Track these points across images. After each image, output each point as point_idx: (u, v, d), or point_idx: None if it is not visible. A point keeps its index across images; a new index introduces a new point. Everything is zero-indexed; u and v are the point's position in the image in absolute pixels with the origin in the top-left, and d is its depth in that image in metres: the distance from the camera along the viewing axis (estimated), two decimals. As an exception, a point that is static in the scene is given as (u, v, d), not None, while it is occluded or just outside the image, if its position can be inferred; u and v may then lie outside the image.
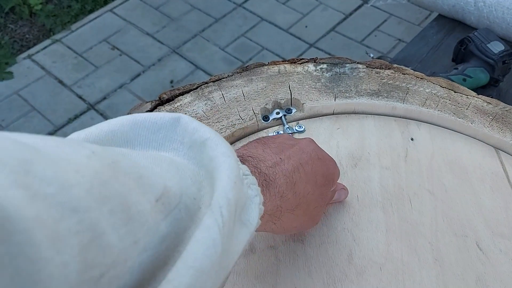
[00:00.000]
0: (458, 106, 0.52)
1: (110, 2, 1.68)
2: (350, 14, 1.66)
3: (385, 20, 1.62)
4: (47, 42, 1.54)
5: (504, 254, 0.42)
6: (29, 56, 1.51)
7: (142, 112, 0.50)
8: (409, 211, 0.44)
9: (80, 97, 1.39)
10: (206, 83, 0.54)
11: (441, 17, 1.09)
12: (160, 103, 0.52)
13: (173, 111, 0.50)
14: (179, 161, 0.25)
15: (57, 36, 1.56)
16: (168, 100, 0.52)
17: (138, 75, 1.44)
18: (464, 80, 0.89)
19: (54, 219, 0.15)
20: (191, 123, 0.26)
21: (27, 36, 1.57)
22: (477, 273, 0.40)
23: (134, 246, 0.19)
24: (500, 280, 0.40)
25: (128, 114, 0.50)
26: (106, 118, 1.34)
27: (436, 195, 0.45)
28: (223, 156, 0.24)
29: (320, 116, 0.52)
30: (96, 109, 1.36)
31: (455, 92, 0.54)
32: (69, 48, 1.52)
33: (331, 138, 0.49)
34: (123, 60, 1.49)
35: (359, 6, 1.69)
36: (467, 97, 0.53)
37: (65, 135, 1.32)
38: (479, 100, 0.53)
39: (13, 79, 1.43)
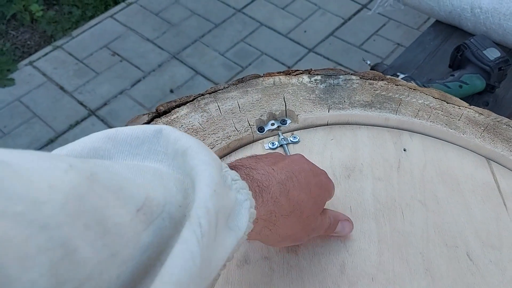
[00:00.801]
0: (450, 117, 0.53)
1: (111, 8, 1.69)
2: (349, 18, 1.67)
3: (384, 25, 1.63)
4: (48, 48, 1.56)
5: (494, 264, 0.42)
6: (31, 63, 1.52)
7: (139, 124, 0.51)
8: (401, 222, 0.45)
9: (81, 103, 1.40)
10: (202, 95, 0.55)
11: (438, 23, 1.10)
12: (157, 115, 0.52)
13: (169, 123, 0.51)
14: (165, 170, 0.25)
15: (58, 43, 1.57)
16: (165, 112, 0.53)
17: (139, 81, 1.45)
18: (460, 86, 0.89)
19: (22, 237, 0.15)
20: (173, 133, 0.26)
21: (28, 42, 1.59)
22: (467, 284, 0.41)
23: (112, 259, 0.19)
24: None
25: (125, 125, 0.51)
26: (107, 124, 1.35)
27: (428, 206, 0.46)
28: (203, 165, 0.25)
29: (314, 127, 0.53)
30: (97, 115, 1.37)
31: (447, 103, 0.54)
32: (70, 54, 1.53)
33: (325, 148, 0.50)
34: (123, 66, 1.50)
35: (358, 11, 1.70)
36: (459, 108, 0.54)
37: (66, 141, 1.33)
38: (471, 111, 0.54)
39: (14, 86, 1.45)
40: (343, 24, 1.65)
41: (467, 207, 0.46)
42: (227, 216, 0.26)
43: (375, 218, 0.45)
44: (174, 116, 0.52)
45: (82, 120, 1.36)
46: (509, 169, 0.50)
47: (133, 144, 0.25)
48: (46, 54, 1.54)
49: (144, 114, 0.53)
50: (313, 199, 0.35)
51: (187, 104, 0.54)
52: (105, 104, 1.40)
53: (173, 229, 0.22)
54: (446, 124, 0.52)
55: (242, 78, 0.56)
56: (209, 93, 0.55)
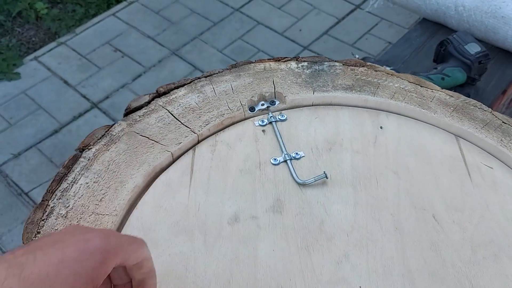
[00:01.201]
0: (423, 99, 0.58)
1: (113, 6, 1.75)
2: (343, 18, 1.73)
3: (376, 24, 1.69)
4: (52, 44, 1.62)
5: (457, 224, 0.48)
6: (36, 58, 1.58)
7: (140, 103, 0.57)
8: (375, 189, 0.50)
9: (84, 96, 1.46)
10: (199, 78, 0.60)
11: (425, 20, 1.16)
12: (157, 95, 0.58)
13: (168, 103, 0.57)
14: None
15: (62, 39, 1.63)
16: (165, 93, 0.58)
17: (139, 75, 1.51)
18: (443, 79, 0.95)
19: None
20: None
21: (33, 39, 1.65)
22: (432, 240, 0.46)
23: None
24: (452, 246, 0.46)
25: (126, 108, 0.56)
26: (109, 116, 1.41)
27: (400, 175, 0.51)
28: None
29: (301, 107, 0.58)
30: (99, 107, 1.43)
31: (421, 86, 0.60)
32: (73, 50, 1.59)
33: (309, 126, 0.56)
34: (125, 61, 1.56)
35: (352, 11, 1.76)
36: (432, 91, 0.60)
37: (70, 132, 1.39)
38: (443, 94, 0.60)
39: (20, 80, 1.50)
40: (337, 23, 1.71)
41: (435, 176, 0.52)
42: None
43: (352, 185, 0.50)
44: (173, 96, 0.58)
45: (85, 112, 1.42)
46: (475, 144, 0.55)
47: None
48: (51, 50, 1.60)
49: (145, 95, 0.58)
50: (71, 269, 0.30)
51: (185, 86, 0.59)
52: (107, 97, 1.46)
53: None
54: (419, 105, 0.58)
55: (235, 64, 0.62)
56: (205, 77, 0.60)
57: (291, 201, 0.48)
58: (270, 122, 0.55)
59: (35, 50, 1.60)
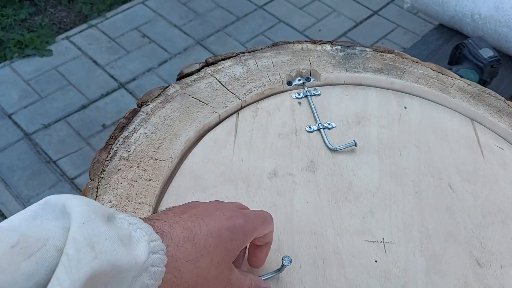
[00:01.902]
0: (444, 85, 0.65)
1: (142, -5, 1.82)
2: (361, 22, 1.80)
3: (392, 30, 1.76)
4: (83, 26, 1.69)
5: (470, 193, 0.53)
6: (67, 38, 1.65)
7: (191, 70, 0.63)
8: (398, 158, 0.56)
9: (112, 77, 1.52)
10: (243, 52, 0.67)
11: (442, 26, 1.22)
12: (206, 65, 0.64)
13: (216, 72, 0.63)
14: (49, 223, 0.28)
15: (93, 22, 1.70)
16: (212, 63, 0.64)
17: (165, 61, 1.58)
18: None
19: None
20: (54, 198, 0.29)
21: (64, 20, 1.72)
22: (447, 205, 0.52)
23: None
24: (464, 211, 0.51)
25: (179, 73, 0.63)
26: (134, 96, 1.47)
27: (420, 149, 0.57)
28: (74, 207, 0.28)
29: (333, 85, 0.64)
30: (126, 88, 1.49)
31: (443, 74, 0.66)
32: (103, 33, 1.66)
33: (340, 101, 0.62)
34: (152, 47, 1.63)
35: (369, 16, 1.83)
36: (452, 79, 0.66)
37: (97, 108, 1.46)
38: (462, 82, 0.66)
39: (52, 56, 1.57)
40: (355, 26, 1.78)
41: (452, 152, 0.57)
42: (119, 244, 0.28)
43: (377, 154, 0.56)
44: (220, 66, 0.64)
45: (112, 92, 1.49)
46: (488, 128, 0.61)
47: (28, 223, 0.28)
48: (82, 31, 1.67)
49: (196, 63, 0.65)
50: (224, 244, 0.35)
51: (231, 59, 0.65)
52: (133, 79, 1.52)
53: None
54: (440, 90, 0.64)
55: (276, 43, 0.69)
56: (249, 52, 0.67)
57: (323, 164, 0.54)
58: (306, 96, 0.61)
59: (66, 30, 1.67)
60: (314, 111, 0.59)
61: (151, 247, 0.30)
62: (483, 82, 1.03)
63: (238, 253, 0.37)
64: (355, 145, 0.55)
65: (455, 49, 1.06)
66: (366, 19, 1.82)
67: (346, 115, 0.60)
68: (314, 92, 0.62)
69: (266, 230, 0.40)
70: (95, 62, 1.57)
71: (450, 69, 1.03)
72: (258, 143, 0.56)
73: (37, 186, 1.24)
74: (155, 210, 0.48)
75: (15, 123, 1.41)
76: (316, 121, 0.58)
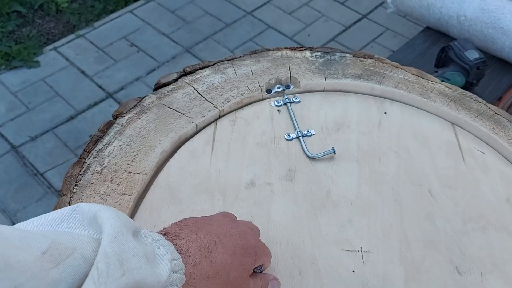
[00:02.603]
0: (424, 89, 0.64)
1: (130, 4, 1.82)
2: (350, 26, 1.80)
3: (381, 34, 1.76)
4: (71, 36, 1.68)
5: (450, 199, 0.52)
6: (55, 48, 1.64)
7: (169, 80, 0.62)
8: (378, 165, 0.55)
9: (100, 87, 1.52)
10: (222, 61, 0.66)
11: (428, 29, 1.22)
12: (184, 74, 0.64)
13: (194, 81, 0.62)
14: (77, 231, 0.29)
15: (81, 32, 1.70)
16: (191, 72, 0.64)
17: (153, 70, 1.57)
18: (443, 81, 1.01)
19: None
20: (85, 206, 0.30)
21: (53, 30, 1.71)
22: (427, 212, 0.51)
23: None
24: (444, 217, 0.50)
25: (156, 83, 0.62)
26: (122, 106, 1.46)
27: (400, 155, 0.57)
28: (107, 219, 0.28)
29: (313, 92, 0.64)
30: (114, 97, 1.49)
31: (423, 78, 0.66)
32: (91, 43, 1.66)
33: (320, 108, 0.61)
34: (140, 56, 1.62)
35: (358, 20, 1.83)
36: (433, 83, 0.65)
37: (85, 119, 1.45)
38: (442, 86, 0.65)
39: (39, 68, 1.57)
40: (344, 31, 1.78)
41: (433, 157, 0.57)
42: (146, 262, 0.29)
43: (357, 161, 0.55)
44: (198, 75, 0.63)
45: (100, 101, 1.48)
46: (469, 132, 0.61)
47: (53, 225, 0.29)
48: (69, 41, 1.66)
49: (173, 73, 0.64)
50: (238, 260, 0.36)
51: (209, 67, 0.65)
52: (122, 88, 1.52)
53: (89, 268, 0.26)
54: (420, 95, 0.63)
55: (255, 50, 0.68)
56: (228, 60, 0.66)
57: (302, 172, 0.53)
58: (285, 103, 0.61)
59: (54, 41, 1.67)
60: (293, 118, 0.59)
61: (172, 266, 0.31)
62: (469, 84, 1.02)
63: (252, 271, 0.39)
64: (334, 152, 0.55)
65: (441, 52, 1.06)
66: (355, 23, 1.82)
67: (326, 122, 0.59)
68: (293, 99, 0.62)
69: (267, 263, 0.42)
70: (83, 72, 1.57)
71: (436, 71, 1.03)
72: (236, 153, 0.55)
73: (24, 199, 1.23)
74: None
75: (2, 135, 1.40)
76: (295, 128, 0.58)
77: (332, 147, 0.55)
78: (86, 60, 1.61)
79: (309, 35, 1.75)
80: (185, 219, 0.39)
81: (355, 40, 1.74)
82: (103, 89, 1.52)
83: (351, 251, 0.47)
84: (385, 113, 0.62)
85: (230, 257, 0.36)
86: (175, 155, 0.54)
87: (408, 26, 1.79)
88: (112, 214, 0.29)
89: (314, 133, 0.58)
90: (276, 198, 0.51)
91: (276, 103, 0.61)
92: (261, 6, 1.85)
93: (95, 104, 1.48)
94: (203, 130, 0.57)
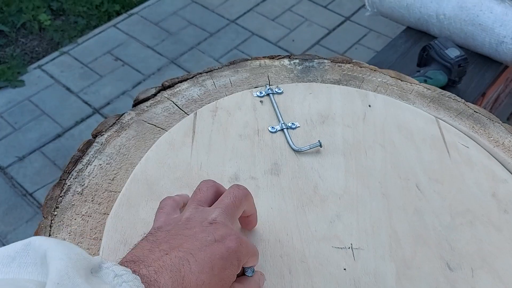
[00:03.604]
0: (403, 91, 0.64)
1: (113, 18, 1.82)
2: (334, 29, 1.82)
3: (365, 35, 1.78)
4: (55, 54, 1.68)
5: (437, 193, 0.52)
6: (39, 67, 1.64)
7: (147, 95, 0.62)
8: (364, 159, 0.55)
9: (86, 103, 1.51)
10: (200, 73, 0.66)
11: (409, 29, 1.24)
12: (162, 88, 0.63)
13: (173, 95, 0.62)
14: (29, 270, 0.27)
15: (65, 49, 1.70)
16: (169, 86, 0.63)
17: (139, 83, 1.57)
18: (425, 81, 1.02)
19: None
20: (38, 241, 0.27)
21: (36, 49, 1.71)
22: (416, 206, 0.50)
23: None
24: (433, 212, 0.50)
25: (135, 99, 0.61)
26: (110, 120, 1.46)
27: (386, 148, 0.56)
28: (54, 260, 0.26)
29: (296, 83, 0.62)
30: (100, 113, 1.48)
31: (401, 81, 0.66)
32: (75, 59, 1.65)
33: (304, 100, 0.60)
34: (125, 70, 1.62)
35: (342, 22, 1.85)
36: (411, 85, 0.66)
37: (72, 136, 1.44)
38: (421, 87, 0.65)
39: (24, 87, 1.56)
40: (328, 34, 1.80)
41: (418, 151, 0.57)
42: None
43: (343, 155, 0.54)
44: (177, 89, 0.62)
45: (87, 118, 1.47)
46: (454, 127, 0.61)
47: (4, 262, 0.27)
48: (54, 59, 1.66)
49: (152, 88, 0.63)
50: (217, 276, 0.33)
51: (188, 80, 0.64)
52: (108, 103, 1.51)
53: None
54: (400, 97, 0.63)
55: (233, 61, 0.68)
56: (206, 72, 0.66)
57: (288, 166, 0.52)
58: (268, 94, 0.59)
59: (38, 59, 1.66)
60: (277, 110, 0.58)
61: None
62: (452, 82, 1.04)
63: (235, 277, 0.36)
64: (320, 145, 0.54)
65: (422, 51, 1.08)
66: (338, 25, 1.84)
67: (310, 114, 0.58)
68: (276, 90, 0.61)
69: (255, 262, 0.39)
70: (68, 89, 1.56)
71: (418, 71, 1.04)
72: (218, 145, 0.54)
73: (13, 220, 1.21)
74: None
75: (-11, 157, 1.38)
76: (279, 120, 0.57)
77: (318, 140, 0.54)
78: (71, 76, 1.60)
79: (293, 40, 1.77)
80: (157, 230, 0.35)
81: (339, 42, 1.76)
82: (90, 105, 1.51)
83: (341, 248, 0.47)
84: (369, 105, 0.61)
85: (207, 276, 0.32)
86: (153, 147, 0.53)
87: (391, 26, 1.81)
88: (62, 254, 0.26)
89: (299, 125, 0.57)
90: (262, 193, 0.49)
91: (258, 93, 0.59)
92: (245, 13, 1.87)
93: (82, 120, 1.47)
94: (182, 121, 0.56)
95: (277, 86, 0.62)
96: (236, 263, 0.35)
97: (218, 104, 0.59)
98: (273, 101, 0.59)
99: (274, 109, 0.58)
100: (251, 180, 0.51)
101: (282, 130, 0.56)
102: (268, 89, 0.61)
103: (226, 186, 0.50)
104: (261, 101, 0.60)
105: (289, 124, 0.57)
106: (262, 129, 0.56)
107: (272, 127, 0.56)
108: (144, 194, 0.49)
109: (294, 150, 0.54)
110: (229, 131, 0.56)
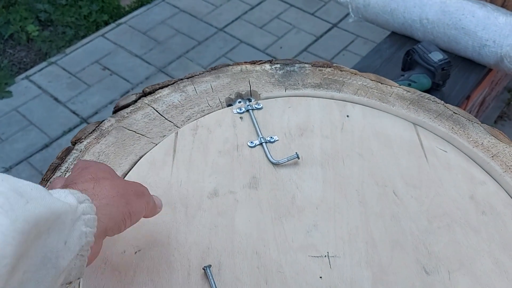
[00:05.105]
0: (383, 94, 0.65)
1: (101, 28, 1.82)
2: (321, 36, 1.83)
3: (352, 41, 1.80)
4: (43, 64, 1.68)
5: (415, 199, 0.52)
6: (27, 77, 1.63)
7: (128, 102, 0.62)
8: (342, 168, 0.55)
9: (74, 112, 1.50)
10: (181, 79, 0.66)
11: (394, 34, 1.25)
12: (143, 95, 0.63)
13: (153, 101, 0.62)
14: None
15: (53, 59, 1.69)
16: (150, 93, 0.63)
17: (127, 92, 1.57)
18: (409, 85, 1.03)
19: None
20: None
21: (24, 59, 1.70)
22: (393, 212, 0.51)
23: None
24: (410, 217, 0.51)
25: (115, 106, 0.61)
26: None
27: (364, 157, 0.57)
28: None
29: (275, 98, 0.63)
30: (88, 122, 1.47)
31: (381, 83, 0.67)
32: (63, 69, 1.65)
33: (283, 113, 0.61)
34: (113, 79, 1.62)
35: (329, 29, 1.86)
36: (391, 87, 0.66)
37: (60, 146, 1.43)
38: (401, 90, 0.66)
39: (12, 97, 1.55)
40: (315, 41, 1.81)
41: (396, 157, 0.57)
42: (47, 193, 0.29)
43: (321, 165, 0.55)
44: (158, 95, 0.63)
45: (75, 127, 1.47)
46: (431, 132, 0.62)
47: None
48: (41, 69, 1.65)
49: (132, 94, 0.64)
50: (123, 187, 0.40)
51: (169, 86, 0.64)
52: (96, 112, 1.51)
53: None
54: (380, 99, 0.64)
55: (215, 66, 0.68)
56: (187, 78, 0.66)
57: (266, 179, 0.53)
58: (247, 110, 0.60)
59: (26, 70, 1.66)
60: (256, 125, 0.59)
61: (76, 198, 0.31)
62: (436, 85, 1.04)
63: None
64: (298, 157, 0.55)
65: (406, 55, 1.08)
66: (326, 32, 1.85)
67: (289, 127, 0.59)
68: (256, 106, 0.61)
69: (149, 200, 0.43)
70: (56, 99, 1.56)
71: (402, 75, 1.05)
72: (198, 162, 0.54)
73: None
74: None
75: (-24, 168, 1.37)
76: (258, 135, 0.58)
77: (296, 152, 0.55)
78: (59, 86, 1.60)
79: (281, 47, 1.78)
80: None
81: (327, 49, 1.77)
82: (77, 115, 1.51)
83: (317, 256, 0.47)
84: (347, 116, 0.62)
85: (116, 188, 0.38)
86: (134, 168, 0.53)
87: (377, 32, 1.82)
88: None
89: (278, 139, 0.58)
90: (240, 207, 0.50)
91: (238, 110, 0.61)
92: (233, 21, 1.88)
93: (70, 130, 1.46)
94: (163, 141, 0.56)
95: (257, 102, 0.62)
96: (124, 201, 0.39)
97: (199, 122, 0.59)
98: (253, 116, 0.60)
99: (254, 125, 0.59)
100: (230, 195, 0.52)
101: (261, 144, 0.57)
102: (248, 105, 0.61)
103: (206, 201, 0.51)
104: (241, 117, 0.60)
105: (268, 138, 0.58)
106: (241, 144, 0.57)
107: (251, 142, 0.57)
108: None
109: (272, 163, 0.55)
110: (209, 148, 0.56)
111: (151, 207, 0.43)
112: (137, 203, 0.40)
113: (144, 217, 0.45)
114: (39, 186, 0.29)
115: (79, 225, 0.31)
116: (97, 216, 0.33)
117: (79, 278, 0.33)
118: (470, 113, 1.18)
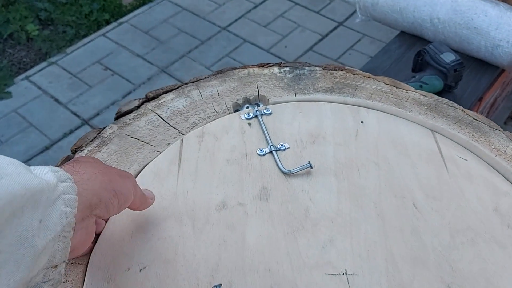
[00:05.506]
0: (399, 98, 0.62)
1: (103, 27, 1.79)
2: (327, 35, 1.79)
3: (359, 40, 1.76)
4: (43, 64, 1.65)
5: (435, 211, 0.50)
6: (27, 78, 1.60)
7: (130, 107, 0.59)
8: (357, 178, 0.52)
9: (75, 114, 1.48)
10: (186, 83, 0.63)
11: (403, 33, 1.21)
12: (146, 100, 0.60)
13: (157, 107, 0.59)
14: None
15: (53, 59, 1.66)
16: (153, 98, 0.60)
17: (129, 92, 1.54)
18: (421, 86, 1.00)
19: None
20: None
21: (24, 59, 1.67)
22: (412, 226, 0.48)
23: None
24: (431, 231, 0.48)
25: (117, 111, 0.58)
26: (99, 132, 1.42)
27: (380, 166, 0.54)
28: None
29: (285, 102, 0.60)
30: (89, 124, 1.44)
31: (396, 88, 0.64)
32: (64, 69, 1.62)
33: (294, 120, 0.58)
34: (115, 79, 1.59)
35: (335, 28, 1.83)
36: (407, 92, 0.63)
37: (61, 148, 1.40)
38: (417, 94, 0.63)
39: (11, 99, 1.52)
40: (321, 40, 1.77)
41: (414, 167, 0.54)
42: (25, 169, 0.29)
43: (335, 175, 0.52)
44: (162, 100, 0.60)
45: (76, 129, 1.44)
46: (450, 139, 0.59)
47: None
48: (42, 69, 1.63)
49: (135, 99, 0.61)
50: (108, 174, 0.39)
51: (173, 91, 0.62)
52: (97, 114, 1.48)
53: None
54: (395, 104, 0.61)
55: (221, 70, 0.65)
56: (192, 82, 0.63)
57: (277, 190, 0.50)
58: (256, 116, 0.58)
59: (26, 70, 1.63)
60: (266, 132, 0.56)
61: (57, 176, 0.31)
62: (448, 87, 1.01)
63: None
64: (310, 166, 0.52)
65: (417, 56, 1.05)
66: (331, 31, 1.82)
67: (300, 134, 0.56)
68: (264, 111, 0.59)
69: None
70: (56, 100, 1.53)
71: (414, 76, 1.02)
72: (204, 172, 0.52)
73: None
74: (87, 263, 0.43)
75: (-25, 171, 1.34)
76: (268, 143, 0.55)
77: (308, 161, 0.52)
78: (60, 87, 1.57)
79: (286, 47, 1.74)
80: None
81: (332, 48, 1.73)
82: (78, 116, 1.48)
83: (334, 274, 0.44)
84: (361, 122, 0.59)
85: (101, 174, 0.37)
86: (137, 177, 0.51)
87: (385, 31, 1.79)
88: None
89: (288, 146, 0.55)
90: (250, 220, 0.47)
91: (246, 116, 0.58)
92: (236, 20, 1.84)
93: (71, 132, 1.44)
94: (168, 149, 0.54)
95: (266, 107, 0.59)
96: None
97: (205, 129, 0.56)
98: (262, 122, 0.57)
99: (263, 131, 0.56)
100: (239, 207, 0.49)
101: (271, 152, 0.54)
102: (256, 110, 0.58)
103: (214, 214, 0.48)
104: (249, 124, 0.57)
105: (278, 146, 0.55)
106: (250, 152, 0.54)
107: (261, 150, 0.54)
108: (128, 227, 0.46)
109: (283, 172, 0.52)
110: (216, 156, 0.53)
111: (140, 195, 0.42)
112: (122, 182, 0.39)
113: (136, 209, 0.44)
114: (17, 161, 0.29)
115: (59, 204, 0.30)
116: (79, 190, 0.33)
117: (64, 262, 0.32)
118: (481, 114, 1.15)
